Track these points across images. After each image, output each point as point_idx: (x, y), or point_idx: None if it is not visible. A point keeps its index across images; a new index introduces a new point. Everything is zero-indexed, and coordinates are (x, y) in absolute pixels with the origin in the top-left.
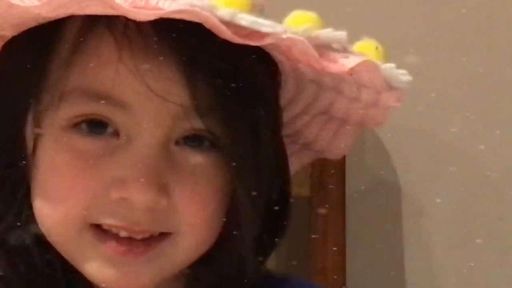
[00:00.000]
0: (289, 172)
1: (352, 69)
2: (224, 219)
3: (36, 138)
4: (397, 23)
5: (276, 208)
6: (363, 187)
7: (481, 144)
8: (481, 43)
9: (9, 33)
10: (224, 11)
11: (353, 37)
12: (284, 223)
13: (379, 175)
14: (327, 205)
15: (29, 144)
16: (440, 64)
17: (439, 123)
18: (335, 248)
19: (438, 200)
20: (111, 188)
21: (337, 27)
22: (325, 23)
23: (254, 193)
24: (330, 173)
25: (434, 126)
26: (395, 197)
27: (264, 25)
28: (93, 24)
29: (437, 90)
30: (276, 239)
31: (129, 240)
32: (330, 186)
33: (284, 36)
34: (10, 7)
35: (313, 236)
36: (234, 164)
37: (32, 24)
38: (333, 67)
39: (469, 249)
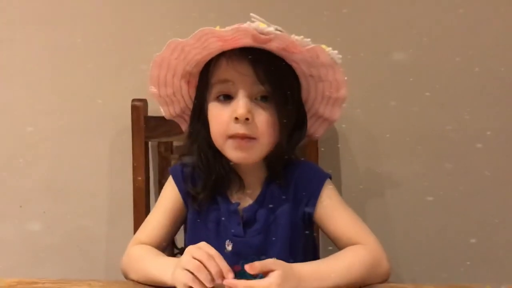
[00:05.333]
0: (305, 122)
1: (313, 48)
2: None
3: (207, 106)
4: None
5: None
6: None
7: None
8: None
9: (194, 71)
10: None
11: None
12: (303, 133)
13: None
14: None
15: (207, 110)
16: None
17: None
18: None
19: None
20: (232, 117)
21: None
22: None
23: (285, 120)
24: None
25: None
26: None
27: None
28: (217, 57)
29: None
30: (298, 140)
31: (241, 138)
32: None
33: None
34: (183, 51)
35: None
36: (277, 108)
37: (202, 64)
38: (306, 49)
39: None
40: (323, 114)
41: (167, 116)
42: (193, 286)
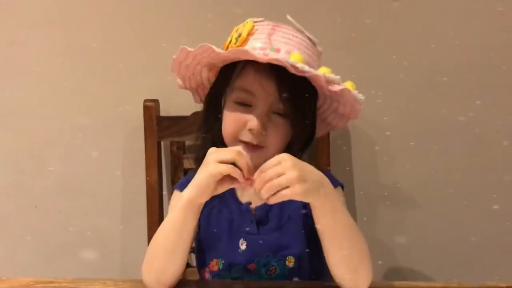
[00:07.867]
0: (315, 130)
1: (342, 90)
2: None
3: (224, 106)
4: None
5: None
6: None
7: None
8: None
9: (220, 64)
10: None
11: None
12: (309, 143)
13: None
14: None
15: (222, 109)
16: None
17: None
18: None
19: None
20: (247, 125)
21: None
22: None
23: (298, 136)
24: None
25: None
26: None
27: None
28: (245, 62)
29: None
30: (306, 148)
31: (251, 146)
32: None
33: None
34: (213, 53)
35: None
36: (293, 124)
37: (228, 61)
38: (335, 89)
39: None
40: (330, 123)
41: (181, 87)
42: (236, 176)
